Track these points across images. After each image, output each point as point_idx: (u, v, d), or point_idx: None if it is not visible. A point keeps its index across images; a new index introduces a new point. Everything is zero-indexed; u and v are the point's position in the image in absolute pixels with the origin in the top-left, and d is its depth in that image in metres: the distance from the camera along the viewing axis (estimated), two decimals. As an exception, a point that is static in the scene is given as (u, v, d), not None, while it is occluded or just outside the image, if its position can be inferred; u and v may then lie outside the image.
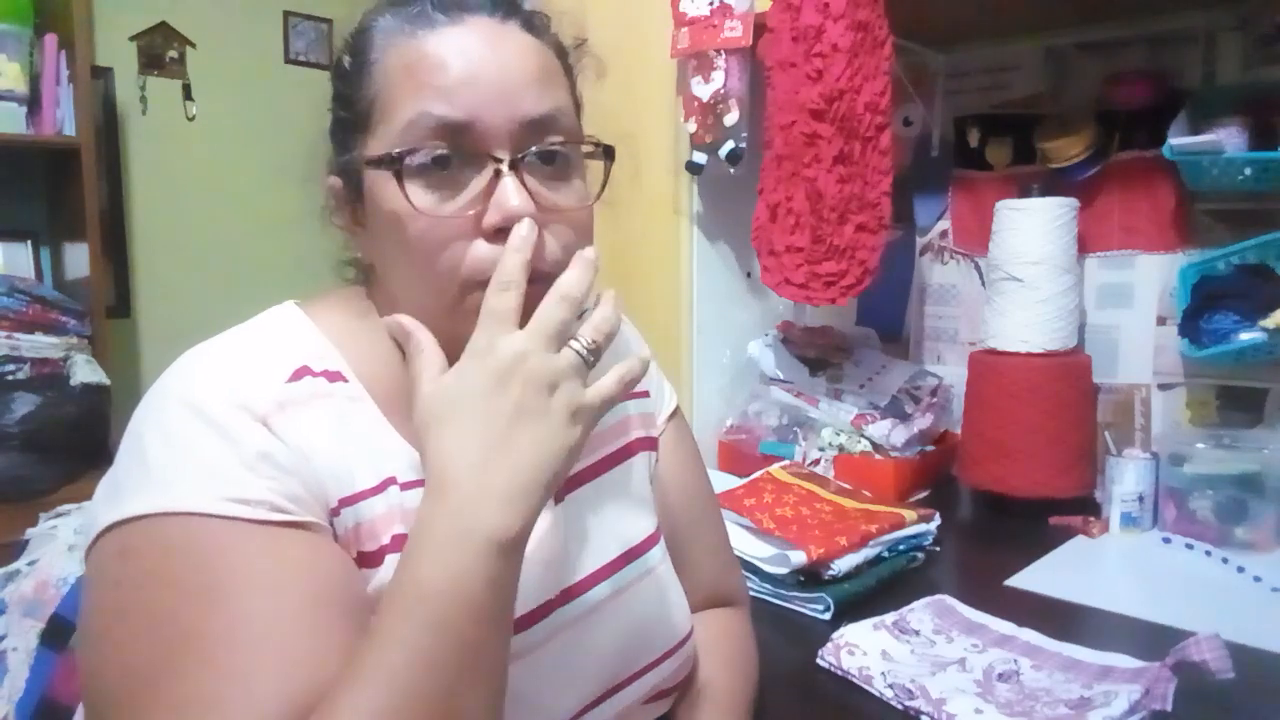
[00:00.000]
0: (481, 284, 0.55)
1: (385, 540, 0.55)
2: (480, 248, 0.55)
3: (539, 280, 0.55)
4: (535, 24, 0.60)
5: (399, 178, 0.54)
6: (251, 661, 0.46)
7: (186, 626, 0.46)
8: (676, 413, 0.81)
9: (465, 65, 0.54)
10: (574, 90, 0.63)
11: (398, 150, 0.54)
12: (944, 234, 1.59)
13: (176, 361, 0.55)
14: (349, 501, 0.54)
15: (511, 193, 0.54)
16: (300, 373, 0.56)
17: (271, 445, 0.51)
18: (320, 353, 0.58)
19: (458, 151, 0.55)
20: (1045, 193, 1.31)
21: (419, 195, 0.54)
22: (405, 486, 0.57)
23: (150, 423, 0.52)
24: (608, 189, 0.61)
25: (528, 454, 0.49)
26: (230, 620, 0.46)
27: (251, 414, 0.51)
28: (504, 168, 0.55)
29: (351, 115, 0.58)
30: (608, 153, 0.61)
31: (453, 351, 0.59)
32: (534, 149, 0.56)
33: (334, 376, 0.57)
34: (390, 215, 0.56)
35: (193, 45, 2.55)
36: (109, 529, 0.49)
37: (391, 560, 0.55)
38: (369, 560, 0.54)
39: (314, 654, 0.47)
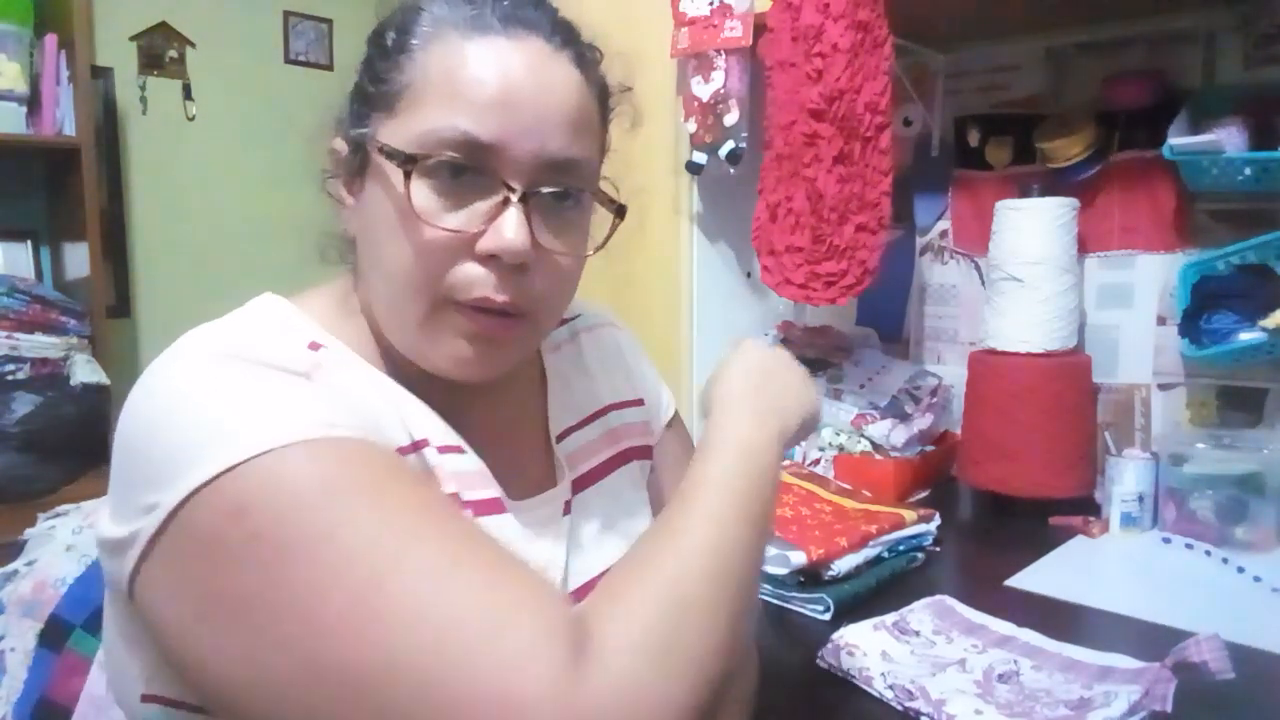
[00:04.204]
0: (458, 304, 0.54)
1: None
2: (468, 268, 0.54)
3: (515, 316, 0.56)
4: (586, 59, 0.59)
5: (408, 177, 0.53)
6: (499, 553, 0.45)
7: (403, 532, 0.42)
8: (675, 419, 0.81)
9: (505, 88, 0.53)
10: (604, 134, 0.63)
11: (414, 151, 0.53)
12: (944, 234, 1.59)
13: (179, 341, 0.51)
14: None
15: (513, 225, 0.53)
16: (315, 345, 0.55)
17: (324, 392, 0.50)
18: (319, 335, 0.57)
19: (473, 166, 0.54)
20: (1045, 193, 1.31)
21: (424, 198, 0.53)
22: (443, 450, 0.57)
23: (179, 392, 0.47)
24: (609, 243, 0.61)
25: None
26: (441, 522, 0.44)
27: (292, 371, 0.49)
28: (514, 198, 0.54)
29: (379, 92, 0.57)
30: (619, 210, 0.61)
31: (420, 364, 0.57)
32: (548, 189, 0.56)
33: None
34: (389, 207, 0.55)
35: (193, 45, 2.55)
36: (183, 504, 0.42)
37: None
38: None
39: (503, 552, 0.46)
